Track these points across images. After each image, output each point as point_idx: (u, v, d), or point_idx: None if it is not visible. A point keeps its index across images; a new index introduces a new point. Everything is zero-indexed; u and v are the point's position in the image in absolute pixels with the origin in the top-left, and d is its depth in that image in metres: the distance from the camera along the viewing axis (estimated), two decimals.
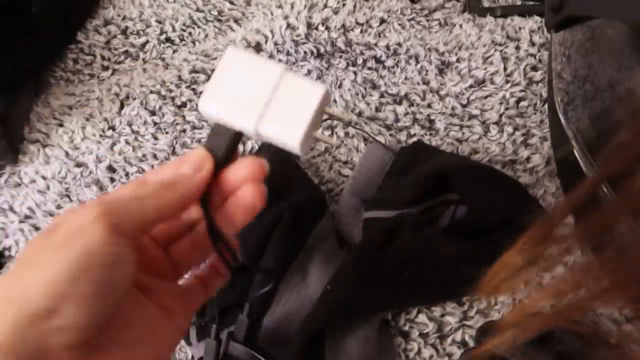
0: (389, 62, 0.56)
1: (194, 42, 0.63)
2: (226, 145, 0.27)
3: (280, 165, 0.46)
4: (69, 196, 0.54)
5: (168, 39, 0.63)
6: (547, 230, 0.29)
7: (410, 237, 0.42)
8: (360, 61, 0.57)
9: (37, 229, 0.53)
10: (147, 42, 0.63)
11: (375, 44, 0.57)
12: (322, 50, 0.57)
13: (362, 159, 0.49)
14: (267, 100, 0.26)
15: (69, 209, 0.25)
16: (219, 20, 0.63)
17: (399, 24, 0.59)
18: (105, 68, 0.63)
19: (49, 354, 0.21)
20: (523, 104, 0.53)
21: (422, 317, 0.45)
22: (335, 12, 0.60)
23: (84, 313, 0.21)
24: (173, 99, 0.57)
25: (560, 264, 0.44)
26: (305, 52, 0.57)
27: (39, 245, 0.23)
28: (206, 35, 0.63)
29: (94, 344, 0.22)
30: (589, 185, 0.26)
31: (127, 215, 0.23)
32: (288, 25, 0.58)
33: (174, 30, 0.63)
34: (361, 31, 0.59)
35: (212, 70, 0.58)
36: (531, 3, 0.60)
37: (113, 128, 0.57)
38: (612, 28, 0.43)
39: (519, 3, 0.60)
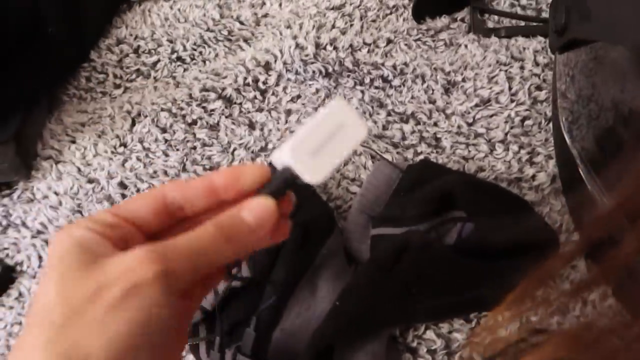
0: (396, 82, 0.57)
1: (204, 61, 0.64)
2: (279, 185, 0.25)
3: (289, 180, 0.47)
4: (80, 212, 0.55)
5: (179, 58, 0.64)
6: (559, 267, 0.29)
7: (418, 254, 0.42)
8: (367, 80, 0.58)
9: (49, 244, 0.54)
10: (159, 60, 0.64)
11: (382, 64, 0.58)
12: (330, 69, 0.59)
13: (370, 177, 0.50)
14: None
15: (119, 254, 0.22)
16: (229, 40, 0.65)
17: (406, 44, 0.60)
18: (118, 86, 0.64)
19: None
20: (528, 122, 0.53)
21: (429, 334, 0.45)
22: (343, 33, 0.62)
23: None
24: (184, 116, 0.58)
25: (577, 301, 0.44)
26: (313, 72, 0.59)
27: (90, 293, 0.21)
28: (216, 55, 0.64)
29: None
30: (603, 222, 0.25)
31: (184, 275, 0.22)
32: (297, 45, 0.59)
33: (185, 49, 0.64)
34: (368, 51, 0.60)
35: (223, 89, 0.59)
36: (534, 24, 0.61)
37: (125, 145, 0.58)
38: (615, 50, 0.44)
39: (522, 24, 0.62)
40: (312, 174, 0.25)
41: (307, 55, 0.59)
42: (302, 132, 0.25)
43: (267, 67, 0.59)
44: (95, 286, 0.21)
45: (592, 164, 0.46)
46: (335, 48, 0.60)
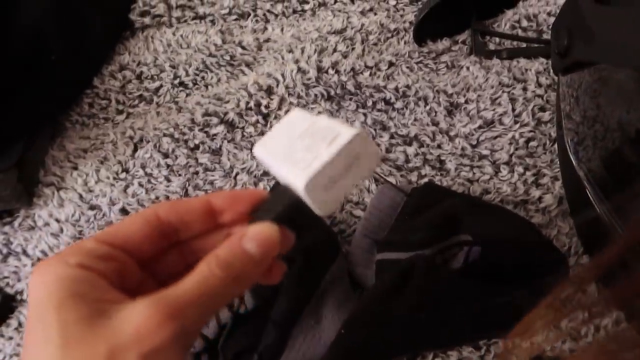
0: (398, 104, 0.57)
1: (206, 86, 0.64)
2: (283, 211, 0.24)
3: (292, 206, 0.47)
4: (82, 239, 0.54)
5: (181, 83, 0.65)
6: (571, 295, 0.28)
7: (424, 279, 0.41)
8: (369, 103, 0.58)
9: None
10: (161, 86, 0.65)
11: (384, 87, 0.58)
12: (332, 93, 0.59)
13: (374, 200, 0.49)
14: (300, 146, 0.24)
15: (126, 305, 0.20)
16: (231, 65, 0.65)
17: (407, 67, 0.60)
18: (120, 112, 0.64)
19: None
20: (532, 144, 0.53)
21: None
22: (345, 56, 0.62)
23: None
24: (186, 141, 0.58)
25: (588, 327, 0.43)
26: (315, 95, 0.59)
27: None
28: (219, 80, 0.64)
29: None
30: (618, 249, 0.25)
31: (198, 328, 0.21)
32: (299, 69, 0.59)
33: (187, 74, 0.65)
34: (370, 74, 0.60)
35: (225, 114, 0.59)
36: (536, 46, 0.61)
37: (127, 171, 0.58)
38: (619, 71, 0.44)
39: (524, 46, 0.62)
40: (324, 207, 0.23)
41: (309, 79, 0.59)
42: (317, 164, 0.22)
43: (270, 91, 0.59)
44: (105, 351, 0.18)
45: (600, 185, 0.45)
46: (337, 72, 0.60)
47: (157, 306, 0.19)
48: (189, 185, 0.56)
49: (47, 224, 0.56)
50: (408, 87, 0.58)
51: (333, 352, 0.40)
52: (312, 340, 0.41)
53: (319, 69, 0.60)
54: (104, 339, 0.18)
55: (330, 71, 0.60)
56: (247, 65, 0.65)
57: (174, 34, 0.68)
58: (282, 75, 0.60)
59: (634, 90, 0.41)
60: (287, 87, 0.59)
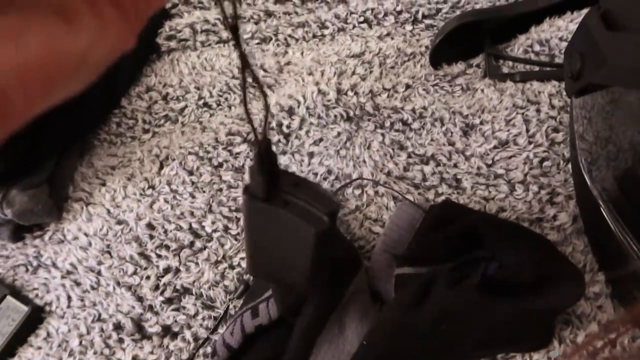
0: (415, 125, 0.59)
1: (230, 107, 0.67)
2: None
3: None
4: (109, 252, 0.56)
5: (206, 104, 0.67)
6: (607, 343, 0.29)
7: (445, 293, 0.43)
8: (387, 124, 0.60)
9: (78, 284, 0.55)
10: (186, 106, 0.67)
11: (402, 108, 0.60)
12: (351, 113, 0.61)
13: (393, 217, 0.51)
14: None
15: None
16: (254, 87, 0.67)
17: (424, 89, 0.63)
18: (146, 131, 0.67)
19: None
20: (547, 163, 0.55)
21: None
22: (363, 79, 0.64)
23: None
24: (210, 159, 0.60)
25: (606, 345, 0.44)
26: (335, 116, 0.61)
27: None
28: (241, 100, 0.67)
29: None
30: None
31: None
32: (319, 91, 0.62)
33: (211, 95, 0.67)
34: (388, 96, 0.62)
35: (248, 133, 0.61)
36: (548, 69, 0.63)
37: (153, 187, 0.60)
38: (631, 93, 0.45)
39: (536, 69, 0.64)
40: None
41: (329, 101, 0.61)
42: None
43: (291, 111, 0.62)
44: None
45: (614, 204, 0.46)
46: (356, 93, 0.62)
47: None
48: (212, 201, 0.58)
49: (76, 238, 0.58)
50: (424, 108, 0.60)
51: None
52: (336, 349, 0.42)
53: (339, 91, 0.62)
54: None
55: (350, 93, 0.62)
56: (269, 87, 0.67)
57: (198, 57, 0.71)
58: (303, 96, 0.62)
59: None
60: (307, 108, 0.61)
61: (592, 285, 0.48)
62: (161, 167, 0.61)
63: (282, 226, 0.29)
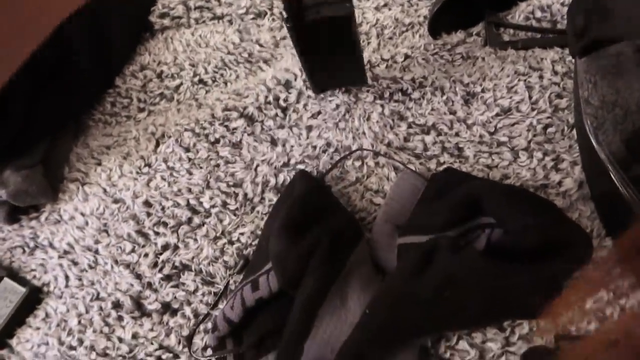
0: (415, 95, 0.58)
1: (225, 83, 0.65)
2: None
3: (314, 191, 0.47)
4: (106, 231, 0.55)
5: (201, 81, 0.66)
6: (595, 276, 0.29)
7: (448, 259, 0.42)
8: (387, 94, 0.58)
9: (75, 264, 0.54)
10: (181, 84, 0.66)
11: (401, 78, 0.59)
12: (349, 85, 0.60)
13: (395, 187, 0.50)
14: None
15: None
16: (249, 62, 0.66)
17: (423, 59, 0.61)
18: (142, 110, 0.66)
19: None
20: (550, 130, 0.53)
21: (462, 344, 0.44)
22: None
23: None
24: (207, 135, 0.59)
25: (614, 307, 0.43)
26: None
27: None
28: (237, 76, 0.65)
29: None
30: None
31: None
32: None
33: (206, 72, 0.66)
34: (386, 66, 0.61)
35: (244, 108, 0.60)
36: (551, 36, 0.62)
37: (149, 165, 0.59)
38: (635, 52, 0.44)
39: (538, 36, 0.62)
40: None
41: None
42: None
43: (288, 85, 0.61)
44: None
45: (622, 168, 0.45)
46: None
47: None
48: (210, 177, 0.57)
49: (72, 218, 0.57)
50: (424, 77, 0.59)
51: (358, 332, 0.40)
52: (339, 320, 0.41)
53: None
54: None
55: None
56: (265, 62, 0.66)
57: (192, 34, 0.70)
58: (300, 69, 0.61)
59: None
60: (304, 81, 0.60)
61: (600, 250, 0.47)
62: (157, 145, 0.60)
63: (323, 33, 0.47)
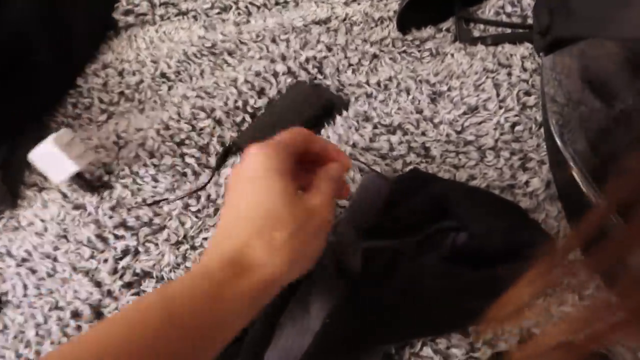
0: (380, 97, 0.57)
1: (191, 77, 0.63)
2: None
3: None
4: (66, 237, 0.53)
5: (163, 75, 0.64)
6: (555, 263, 0.29)
7: (410, 267, 0.41)
8: (352, 99, 0.57)
9: (33, 272, 0.53)
10: (142, 80, 0.64)
11: (367, 82, 0.58)
12: None
13: (359, 189, 0.49)
14: None
15: (313, 194, 0.36)
16: (213, 54, 0.64)
17: (390, 58, 0.60)
18: (103, 111, 0.64)
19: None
20: (518, 128, 0.52)
21: (427, 350, 0.43)
22: (329, 49, 0.61)
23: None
24: (171, 137, 0.57)
25: (572, 295, 0.43)
26: None
27: (306, 217, 0.35)
28: (202, 71, 0.63)
29: None
30: (597, 217, 0.25)
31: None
32: (289, 71, 0.59)
33: (169, 67, 0.64)
34: (353, 71, 0.60)
35: (212, 110, 0.58)
36: (521, 31, 0.61)
37: (110, 172, 0.57)
38: (599, 49, 0.43)
39: (508, 31, 0.61)
40: None
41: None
42: None
43: (262, 92, 0.59)
44: (306, 213, 0.34)
45: (586, 167, 0.45)
46: (323, 74, 0.60)
47: (329, 199, 0.36)
48: (176, 184, 0.55)
49: (31, 224, 0.55)
50: (390, 79, 0.58)
51: (318, 341, 0.39)
52: (300, 328, 0.40)
53: (307, 71, 0.59)
54: (305, 207, 0.35)
55: (319, 76, 0.60)
56: (230, 54, 0.64)
57: (156, 31, 0.68)
58: (275, 77, 0.59)
59: (614, 69, 0.40)
60: (279, 91, 0.59)
61: (562, 241, 0.46)
62: (119, 150, 0.58)
63: None
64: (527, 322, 0.42)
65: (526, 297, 0.30)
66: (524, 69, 0.56)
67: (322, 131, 0.55)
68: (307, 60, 0.60)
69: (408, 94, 0.56)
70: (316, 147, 0.40)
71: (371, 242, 0.46)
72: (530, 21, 0.61)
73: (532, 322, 0.43)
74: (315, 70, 0.60)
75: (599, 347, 0.40)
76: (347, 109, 0.56)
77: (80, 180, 0.56)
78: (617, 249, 0.23)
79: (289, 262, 0.33)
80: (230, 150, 0.56)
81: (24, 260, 0.53)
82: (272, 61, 0.61)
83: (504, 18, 0.62)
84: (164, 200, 0.53)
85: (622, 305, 0.23)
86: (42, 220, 0.55)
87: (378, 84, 0.57)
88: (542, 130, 0.53)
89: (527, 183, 0.50)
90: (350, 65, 0.60)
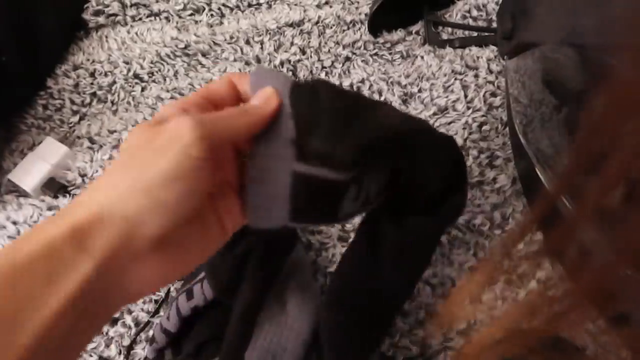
0: None
1: (164, 79, 0.63)
2: None
3: None
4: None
5: (137, 76, 0.64)
6: (511, 246, 0.30)
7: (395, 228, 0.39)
8: None
9: None
10: (114, 82, 0.64)
11: (340, 84, 0.59)
12: None
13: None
14: None
15: (175, 116, 0.27)
16: (187, 55, 0.64)
17: (363, 60, 0.62)
18: (75, 112, 0.63)
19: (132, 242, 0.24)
20: (485, 128, 0.55)
21: (405, 342, 0.45)
22: (303, 52, 0.62)
23: (167, 219, 0.24)
24: None
25: (531, 279, 0.45)
26: None
27: (144, 142, 0.25)
28: (176, 72, 0.64)
29: (166, 240, 0.25)
30: (548, 198, 0.27)
31: (214, 129, 0.26)
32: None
33: (142, 67, 0.64)
34: (326, 74, 0.61)
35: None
36: (486, 34, 0.63)
37: (84, 175, 0.57)
38: (558, 52, 0.46)
39: (475, 35, 0.64)
40: None
41: None
42: None
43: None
44: (149, 139, 0.25)
45: (548, 163, 0.47)
46: (297, 78, 0.61)
47: (192, 120, 0.25)
48: None
49: (3, 227, 0.54)
50: (362, 81, 0.59)
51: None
52: (279, 325, 0.41)
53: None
54: (156, 129, 0.26)
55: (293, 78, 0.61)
56: (204, 55, 0.64)
57: (128, 31, 0.67)
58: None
59: (571, 71, 0.43)
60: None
61: (531, 244, 0.49)
62: (93, 153, 0.58)
63: None
64: (479, 315, 0.44)
65: (479, 287, 0.30)
66: (490, 71, 0.58)
67: None
68: (282, 63, 0.61)
69: (380, 95, 0.58)
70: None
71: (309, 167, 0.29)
72: (494, 25, 0.64)
73: (483, 315, 0.44)
74: (290, 73, 0.61)
75: (552, 331, 0.42)
76: None
77: (53, 184, 0.56)
78: (566, 228, 0.24)
79: (117, 194, 0.24)
80: None
81: None
82: (247, 63, 0.62)
83: (471, 22, 0.64)
84: None
85: (573, 285, 0.24)
86: (15, 223, 0.54)
87: (351, 86, 0.59)
88: (507, 129, 0.55)
89: (494, 179, 0.52)
90: (323, 67, 0.61)
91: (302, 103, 0.28)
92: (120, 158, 0.26)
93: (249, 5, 0.68)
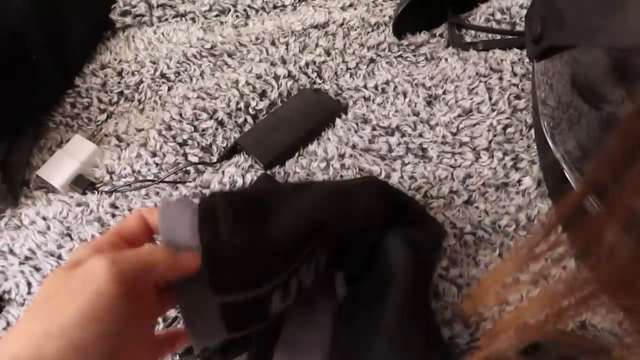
0: (378, 100, 0.59)
1: (191, 78, 0.64)
2: None
3: None
4: (70, 235, 0.54)
5: (163, 75, 0.65)
6: (538, 241, 0.30)
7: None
8: (350, 103, 0.59)
9: (37, 269, 0.53)
10: (142, 81, 0.65)
11: (364, 86, 0.60)
12: None
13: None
14: None
15: (90, 257, 0.28)
16: (213, 55, 0.65)
17: (387, 62, 0.62)
18: (102, 111, 0.64)
19: None
20: (510, 130, 0.55)
21: None
22: (328, 53, 0.63)
23: (93, 355, 0.25)
24: (174, 137, 0.58)
25: (552, 272, 0.45)
26: None
27: (59, 285, 0.26)
28: (202, 72, 0.65)
29: None
30: (576, 197, 0.27)
31: (129, 266, 0.27)
32: (289, 75, 0.61)
33: (168, 67, 0.65)
34: (351, 75, 0.62)
35: (214, 111, 0.59)
36: (510, 37, 0.63)
37: (112, 173, 0.58)
38: (588, 56, 0.46)
39: (498, 37, 0.64)
40: None
41: (302, 86, 0.61)
42: None
43: (263, 94, 0.60)
44: (65, 281, 0.26)
45: (576, 166, 0.47)
46: (322, 79, 0.62)
47: (107, 259, 0.27)
48: (177, 179, 0.56)
49: (33, 222, 0.55)
50: (387, 83, 0.60)
51: None
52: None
53: (307, 75, 0.61)
54: (70, 274, 0.27)
55: (318, 80, 0.62)
56: (229, 55, 0.65)
57: (154, 32, 0.68)
58: (276, 80, 0.61)
59: (602, 75, 0.43)
60: (280, 95, 0.60)
61: (557, 246, 0.49)
62: (121, 150, 0.59)
63: None
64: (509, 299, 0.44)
65: (509, 275, 0.31)
66: (514, 74, 0.59)
67: (322, 133, 0.57)
68: (307, 64, 0.62)
69: (405, 97, 0.58)
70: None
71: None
72: (518, 28, 0.64)
73: (513, 299, 0.45)
74: (315, 74, 0.62)
75: (572, 320, 0.42)
76: (345, 113, 0.58)
77: (81, 181, 0.57)
78: (592, 228, 0.25)
79: (32, 340, 0.24)
80: (235, 149, 0.57)
81: (27, 258, 0.54)
82: (273, 64, 0.63)
83: (494, 25, 0.65)
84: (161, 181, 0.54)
85: (594, 277, 0.25)
86: (45, 218, 0.55)
87: (375, 87, 0.59)
88: (532, 132, 0.55)
89: (519, 181, 0.52)
90: (348, 69, 0.62)
91: (208, 242, 0.30)
92: (36, 304, 0.26)
93: (274, 7, 0.69)
